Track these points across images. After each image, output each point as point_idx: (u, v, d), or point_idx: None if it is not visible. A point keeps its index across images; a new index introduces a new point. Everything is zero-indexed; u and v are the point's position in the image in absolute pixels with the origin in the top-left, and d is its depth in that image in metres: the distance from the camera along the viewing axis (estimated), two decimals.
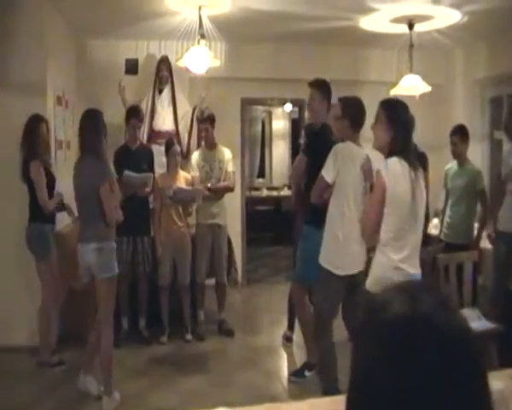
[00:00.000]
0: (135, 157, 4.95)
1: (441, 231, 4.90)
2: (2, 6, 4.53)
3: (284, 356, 4.67)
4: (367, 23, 5.45)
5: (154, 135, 5.75)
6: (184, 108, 5.95)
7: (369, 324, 0.80)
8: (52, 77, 4.87)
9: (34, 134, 4.15)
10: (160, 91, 5.90)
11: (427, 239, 4.10)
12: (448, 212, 4.84)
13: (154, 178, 4.96)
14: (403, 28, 5.32)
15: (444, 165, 5.11)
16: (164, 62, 5.85)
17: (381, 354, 0.75)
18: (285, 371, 4.25)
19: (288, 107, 9.31)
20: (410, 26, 5.25)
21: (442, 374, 0.71)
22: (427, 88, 5.38)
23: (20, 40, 4.62)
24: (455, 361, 0.72)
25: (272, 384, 4.09)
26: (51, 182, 4.24)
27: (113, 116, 5.83)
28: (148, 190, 4.92)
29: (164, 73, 5.83)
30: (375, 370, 0.75)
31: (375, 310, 0.80)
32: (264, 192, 9.71)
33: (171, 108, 5.88)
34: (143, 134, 5.59)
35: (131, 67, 6.24)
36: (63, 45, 5.43)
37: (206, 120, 5.15)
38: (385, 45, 5.99)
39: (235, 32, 5.71)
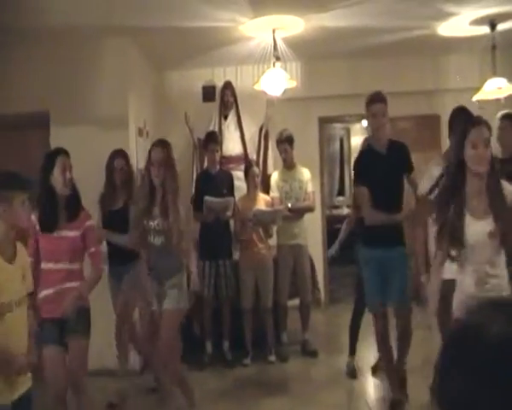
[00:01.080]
0: (215, 182, 5.04)
1: None
2: (86, 46, 4.85)
3: (369, 377, 4.49)
4: (445, 29, 5.26)
5: (224, 161, 5.76)
6: (251, 130, 5.97)
7: (464, 350, 0.72)
8: (133, 110, 5.12)
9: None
10: (226, 117, 5.95)
11: None
12: None
13: (234, 201, 5.02)
14: (484, 30, 5.09)
15: None
16: (227, 88, 5.90)
17: (485, 381, 0.67)
18: (370, 392, 4.09)
19: (366, 122, 9.13)
20: (493, 27, 5.01)
21: None
22: None
23: (104, 77, 4.92)
24: None
25: (357, 405, 3.97)
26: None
27: (186, 146, 6.01)
28: (229, 213, 4.98)
29: (228, 98, 5.88)
30: (479, 400, 0.67)
31: (469, 334, 0.72)
32: (345, 210, 9.54)
33: (238, 133, 5.91)
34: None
35: (209, 95, 6.40)
36: (143, 78, 5.69)
37: (284, 141, 5.15)
38: (465, 50, 5.74)
39: (310, 52, 5.71)
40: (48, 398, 3.05)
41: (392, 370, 3.75)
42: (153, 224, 3.57)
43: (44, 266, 3.19)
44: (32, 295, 2.61)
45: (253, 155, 5.91)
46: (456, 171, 2.60)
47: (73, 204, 3.27)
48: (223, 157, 5.83)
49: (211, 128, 5.83)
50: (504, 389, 0.65)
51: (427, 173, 3.50)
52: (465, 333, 0.72)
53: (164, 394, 3.80)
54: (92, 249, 3.29)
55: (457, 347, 0.73)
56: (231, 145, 5.90)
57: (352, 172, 4.06)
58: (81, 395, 3.21)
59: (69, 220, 3.22)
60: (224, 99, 5.92)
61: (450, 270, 2.95)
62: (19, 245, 2.52)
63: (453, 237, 2.55)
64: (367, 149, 3.94)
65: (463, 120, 2.84)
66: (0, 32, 4.35)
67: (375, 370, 4.44)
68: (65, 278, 3.18)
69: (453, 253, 2.58)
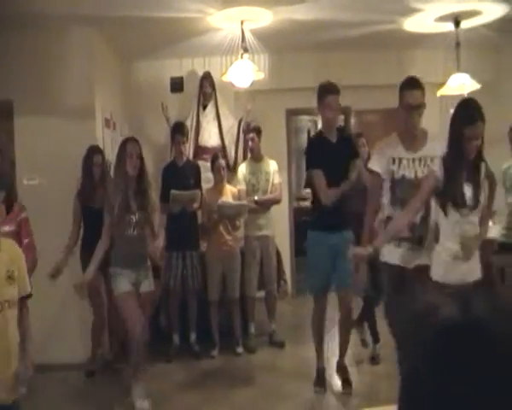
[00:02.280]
0: (182, 173, 5.02)
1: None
2: (52, 36, 4.74)
3: (335, 367, 4.56)
4: (411, 24, 5.34)
5: (200, 151, 5.82)
6: (229, 122, 6.00)
7: (417, 329, 0.76)
8: (100, 100, 5.04)
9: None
10: (204, 107, 5.97)
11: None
12: (507, 211, 4.65)
13: (201, 193, 5.01)
14: (448, 27, 5.18)
15: (497, 163, 4.90)
16: (207, 78, 5.92)
17: (429, 360, 0.72)
18: (337, 383, 4.16)
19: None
20: (457, 24, 5.10)
21: (495, 381, 0.67)
22: (475, 86, 5.20)
23: (70, 67, 4.83)
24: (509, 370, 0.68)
25: (324, 396, 4.02)
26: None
27: (160, 135, 5.99)
28: (196, 205, 4.97)
29: (207, 89, 5.90)
30: (423, 377, 0.71)
31: (423, 315, 0.76)
32: (312, 200, 9.60)
33: (215, 123, 5.94)
34: (189, 150, 5.66)
35: (177, 86, 6.35)
36: (110, 69, 5.61)
37: (252, 131, 5.19)
38: (430, 46, 5.83)
39: (278, 44, 5.72)
40: None
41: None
42: (133, 217, 3.74)
43: None
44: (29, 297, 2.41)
45: (231, 148, 5.91)
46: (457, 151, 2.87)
47: (9, 197, 3.15)
48: (199, 147, 5.84)
49: (189, 118, 5.81)
50: (443, 367, 0.69)
51: (378, 146, 3.54)
52: (421, 312, 0.77)
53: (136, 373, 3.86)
54: (25, 241, 3.29)
55: (412, 325, 0.78)
56: (207, 136, 5.89)
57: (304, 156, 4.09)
58: None
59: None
60: (203, 90, 5.92)
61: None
62: (5, 242, 2.35)
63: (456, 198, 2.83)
64: (318, 136, 4.04)
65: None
66: None
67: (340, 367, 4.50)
68: None
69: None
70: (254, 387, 4.22)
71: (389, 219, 3.25)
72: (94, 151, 4.50)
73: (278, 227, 5.56)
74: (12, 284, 2.25)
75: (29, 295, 2.39)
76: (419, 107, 3.21)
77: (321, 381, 4.04)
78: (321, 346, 4.11)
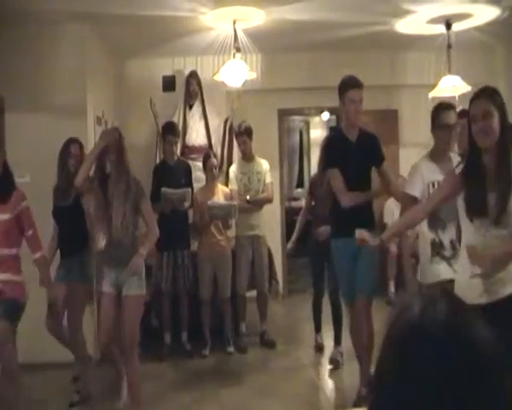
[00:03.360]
0: (173, 172, 5.01)
1: None
2: (44, 32, 4.72)
3: (326, 366, 4.58)
4: (403, 26, 5.37)
5: (186, 150, 5.78)
6: (216, 122, 5.98)
7: (390, 324, 0.81)
8: (92, 98, 5.02)
9: None
10: (191, 106, 5.94)
11: None
12: None
13: (192, 192, 5.01)
14: (440, 29, 5.22)
15: None
16: (193, 77, 5.88)
17: (391, 354, 0.76)
18: (328, 382, 4.18)
19: (326, 115, 9.24)
20: (448, 26, 5.14)
21: (441, 385, 0.70)
22: (466, 88, 5.24)
23: (62, 64, 4.80)
24: (455, 374, 0.71)
25: (315, 395, 4.03)
26: None
27: (150, 133, 5.98)
28: (187, 204, 4.96)
29: (193, 87, 5.87)
30: (386, 372, 0.76)
31: (398, 312, 0.81)
32: (304, 202, 9.62)
33: (202, 123, 5.91)
34: (177, 150, 5.65)
35: (169, 84, 6.34)
36: (102, 67, 5.58)
37: (243, 133, 5.14)
38: (422, 47, 5.87)
39: (270, 44, 5.73)
40: None
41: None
42: (114, 213, 3.45)
43: None
44: None
45: (217, 147, 5.90)
46: (471, 151, 2.54)
47: (4, 185, 3.12)
48: (186, 147, 5.81)
49: (175, 117, 5.79)
50: (401, 363, 0.74)
51: (415, 170, 3.25)
52: (398, 308, 0.81)
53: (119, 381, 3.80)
54: (29, 232, 3.18)
55: (391, 320, 0.81)
56: (195, 135, 5.88)
57: (319, 156, 3.97)
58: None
59: (0, 203, 3.08)
60: (190, 88, 5.89)
61: (448, 270, 3.03)
62: None
63: (478, 208, 2.46)
64: (337, 135, 3.87)
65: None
66: None
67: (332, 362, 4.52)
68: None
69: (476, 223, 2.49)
70: (245, 386, 4.22)
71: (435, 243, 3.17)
72: (70, 141, 4.06)
73: (270, 227, 5.57)
74: None
75: None
76: (454, 127, 3.23)
77: None
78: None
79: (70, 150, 4.02)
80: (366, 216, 3.60)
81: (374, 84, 6.35)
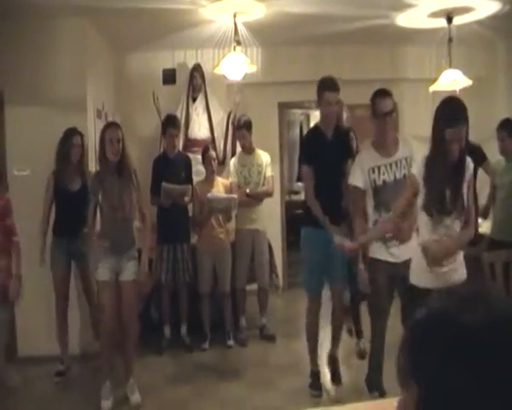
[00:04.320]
0: (173, 165, 5.00)
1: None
2: (44, 26, 4.70)
3: (326, 361, 4.59)
4: (404, 20, 5.35)
5: (189, 143, 5.80)
6: (219, 115, 5.98)
7: (436, 334, 0.77)
8: (92, 91, 5.01)
9: None
10: (194, 99, 5.94)
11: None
12: (496, 208, 4.67)
13: (192, 186, 5.00)
14: (441, 22, 5.19)
15: None
16: (197, 70, 5.89)
17: (447, 362, 0.74)
18: (327, 376, 4.18)
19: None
20: (449, 20, 5.12)
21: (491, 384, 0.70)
22: (467, 82, 5.22)
23: (62, 57, 4.79)
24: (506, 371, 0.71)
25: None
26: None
27: (151, 127, 5.97)
28: (187, 199, 4.96)
29: (197, 80, 5.87)
30: (453, 378, 0.73)
31: (437, 320, 0.78)
32: (304, 196, 9.61)
33: (205, 116, 5.92)
34: (179, 143, 5.64)
35: (169, 77, 6.32)
36: (102, 60, 5.57)
37: (242, 127, 5.14)
38: (423, 41, 5.85)
39: (271, 37, 5.70)
40: None
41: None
42: (115, 201, 3.73)
43: None
44: None
45: (220, 141, 5.90)
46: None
47: None
48: (188, 140, 5.82)
49: (178, 110, 5.78)
50: (474, 374, 0.71)
51: (355, 162, 3.55)
52: (438, 318, 0.78)
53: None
54: (8, 221, 3.44)
55: (430, 330, 0.78)
56: (197, 128, 5.87)
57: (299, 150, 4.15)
58: None
59: None
60: (193, 81, 5.89)
61: (384, 252, 3.34)
62: None
63: (441, 204, 2.84)
64: (315, 131, 4.02)
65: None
66: None
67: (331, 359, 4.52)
68: None
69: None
70: (245, 380, 4.23)
71: (376, 222, 3.39)
72: (72, 132, 4.37)
73: (270, 221, 5.57)
74: None
75: None
76: (390, 113, 3.40)
77: (317, 384, 3.95)
78: (316, 348, 4.05)
79: (73, 142, 4.34)
80: (336, 209, 3.76)
81: (374, 78, 6.35)
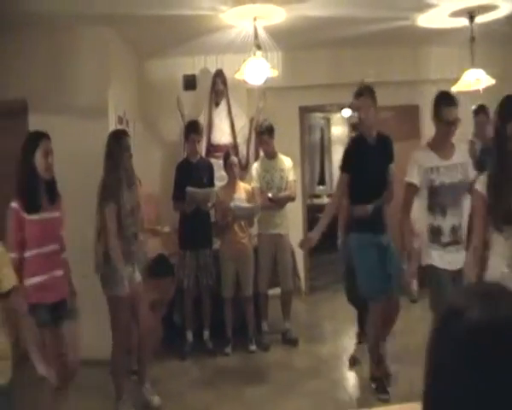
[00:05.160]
0: (196, 171, 5.02)
1: None
2: (66, 35, 4.78)
3: (348, 365, 4.55)
4: (425, 20, 5.30)
5: (212, 149, 5.82)
6: (241, 120, 5.99)
7: (446, 328, 0.78)
8: (113, 98, 5.06)
9: None
10: (217, 105, 5.96)
11: None
12: None
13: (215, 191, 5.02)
14: (463, 22, 5.13)
15: None
16: (219, 76, 5.90)
17: (462, 357, 0.74)
18: (350, 380, 4.15)
19: (347, 112, 9.18)
20: (471, 19, 5.05)
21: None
22: (490, 81, 5.14)
23: (84, 66, 4.85)
24: None
25: (338, 393, 4.00)
26: None
27: (173, 132, 6.01)
28: (210, 204, 4.98)
29: (219, 86, 5.89)
30: (448, 374, 0.74)
31: (452, 315, 0.78)
32: (325, 199, 9.59)
33: (228, 121, 5.92)
34: (201, 148, 5.66)
35: (189, 83, 6.36)
36: (123, 67, 5.63)
37: (264, 133, 5.14)
38: (444, 41, 5.78)
39: (291, 41, 5.71)
40: None
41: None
42: (129, 214, 3.74)
43: (31, 252, 3.06)
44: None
45: (242, 146, 5.91)
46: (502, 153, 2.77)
47: (54, 189, 3.26)
48: (211, 145, 5.83)
49: (201, 116, 5.81)
50: (479, 363, 0.71)
51: (413, 160, 3.50)
52: (449, 314, 0.79)
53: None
54: (63, 233, 3.36)
55: (443, 326, 0.79)
56: (220, 133, 5.89)
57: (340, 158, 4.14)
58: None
59: (50, 204, 3.19)
60: (215, 87, 5.91)
61: (442, 259, 3.31)
62: None
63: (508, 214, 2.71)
64: (357, 138, 4.06)
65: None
66: None
67: (352, 361, 4.48)
68: (55, 262, 3.18)
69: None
70: (267, 384, 4.22)
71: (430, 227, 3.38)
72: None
73: (292, 224, 5.55)
74: None
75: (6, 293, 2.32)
76: (455, 122, 3.41)
77: (384, 388, 3.82)
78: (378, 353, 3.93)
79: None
80: (379, 219, 3.84)
81: (395, 80, 6.31)
